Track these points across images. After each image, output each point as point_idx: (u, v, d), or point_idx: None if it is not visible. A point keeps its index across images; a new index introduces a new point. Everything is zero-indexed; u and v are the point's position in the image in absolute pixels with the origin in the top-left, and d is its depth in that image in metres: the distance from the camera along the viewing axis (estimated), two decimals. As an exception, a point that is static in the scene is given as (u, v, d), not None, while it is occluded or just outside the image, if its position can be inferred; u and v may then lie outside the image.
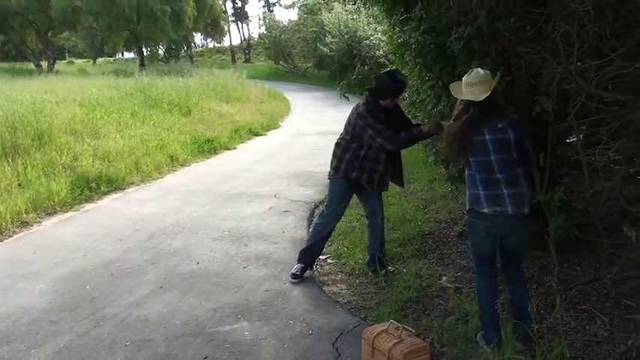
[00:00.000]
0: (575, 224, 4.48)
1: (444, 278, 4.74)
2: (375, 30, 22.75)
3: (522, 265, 3.78)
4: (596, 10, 3.27)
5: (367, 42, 22.38)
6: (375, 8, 21.43)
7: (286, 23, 34.94)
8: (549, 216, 4.50)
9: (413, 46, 4.64)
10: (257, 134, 14.31)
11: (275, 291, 4.74)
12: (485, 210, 3.40)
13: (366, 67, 15.99)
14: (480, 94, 3.34)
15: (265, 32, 36.26)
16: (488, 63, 4.19)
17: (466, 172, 3.56)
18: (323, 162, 9.80)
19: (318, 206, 7.46)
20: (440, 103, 4.83)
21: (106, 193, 8.26)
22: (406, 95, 6.17)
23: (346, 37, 24.40)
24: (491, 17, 4.19)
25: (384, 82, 4.55)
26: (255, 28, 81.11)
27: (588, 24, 3.33)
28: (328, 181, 5.01)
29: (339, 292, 4.70)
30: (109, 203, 7.91)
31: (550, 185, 4.54)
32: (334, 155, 4.84)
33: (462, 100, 3.43)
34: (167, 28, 35.00)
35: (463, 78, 3.45)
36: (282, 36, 32.87)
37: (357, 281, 4.90)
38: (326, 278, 5.02)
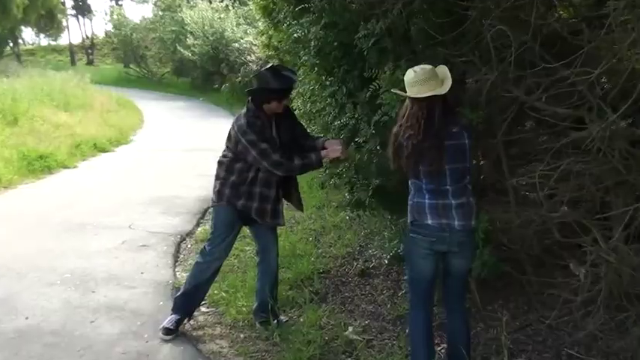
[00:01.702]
0: (502, 259, 4.39)
1: (350, 329, 4.43)
2: (246, 32, 22.51)
3: (466, 296, 3.73)
4: (544, 6, 3.18)
5: (237, 45, 21.90)
6: (249, 6, 21.13)
7: (139, 20, 33.91)
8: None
9: (312, 43, 4.34)
10: (104, 150, 13.41)
11: (135, 353, 4.21)
12: (429, 222, 3.34)
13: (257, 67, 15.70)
14: (441, 88, 3.27)
15: (113, 30, 34.86)
16: (403, 66, 4.00)
17: (410, 180, 3.46)
18: (188, 184, 9.39)
19: (185, 239, 7.00)
20: (343, 115, 4.57)
21: None
22: (299, 104, 5.89)
23: (211, 38, 23.89)
24: (407, 12, 4.02)
25: (267, 81, 4.18)
26: (100, 25, 78.31)
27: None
28: (211, 209, 4.61)
29: (219, 352, 4.26)
30: None
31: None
32: (217, 177, 4.43)
33: (415, 101, 3.28)
34: (-11, 18, 32.60)
35: (407, 78, 3.32)
36: (134, 35, 31.71)
37: (242, 336, 4.48)
38: (201, 333, 4.56)
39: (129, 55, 33.46)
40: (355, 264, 5.74)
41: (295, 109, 6.43)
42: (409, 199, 3.48)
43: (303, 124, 5.89)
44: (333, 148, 4.22)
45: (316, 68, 4.72)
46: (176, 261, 6.29)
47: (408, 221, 3.48)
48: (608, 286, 3.60)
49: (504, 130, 3.98)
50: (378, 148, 4.15)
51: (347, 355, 4.09)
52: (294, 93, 7.14)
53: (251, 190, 4.26)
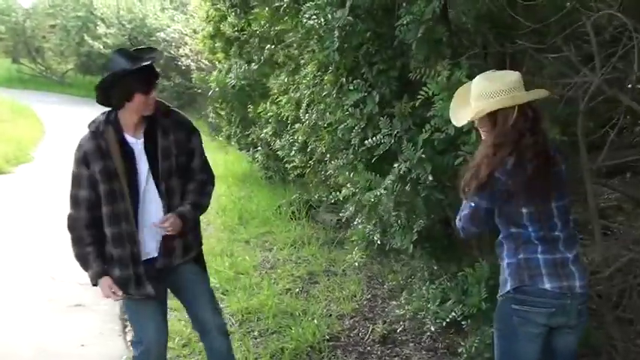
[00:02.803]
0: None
1: None
2: (173, 19, 22.00)
3: None
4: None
5: (162, 35, 21.37)
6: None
7: (32, 3, 32.93)
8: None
9: (335, 34, 3.89)
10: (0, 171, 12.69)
11: None
12: (547, 286, 2.91)
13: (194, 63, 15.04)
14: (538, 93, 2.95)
15: (-3, 16, 33.84)
16: (464, 65, 3.62)
17: (508, 229, 3.04)
18: None
19: None
20: (372, 130, 4.12)
21: None
22: (300, 114, 5.38)
23: (129, 27, 23.40)
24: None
25: (120, 64, 3.47)
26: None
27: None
28: None
29: None
30: None
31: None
32: None
33: (508, 112, 2.86)
34: None
35: (481, 86, 2.95)
36: (28, 22, 30.79)
37: None
38: None
39: (20, 47, 32.40)
40: (370, 326, 5.33)
41: (286, 118, 5.99)
42: (506, 255, 3.04)
43: (304, 139, 5.44)
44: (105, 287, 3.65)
45: (332, 67, 4.27)
46: (125, 326, 5.73)
47: (508, 288, 3.01)
48: None
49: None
50: (429, 178, 3.72)
51: None
52: (283, 98, 6.71)
53: (110, 252, 3.69)
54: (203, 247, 4.05)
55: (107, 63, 3.66)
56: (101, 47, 24.06)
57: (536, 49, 3.56)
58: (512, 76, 2.93)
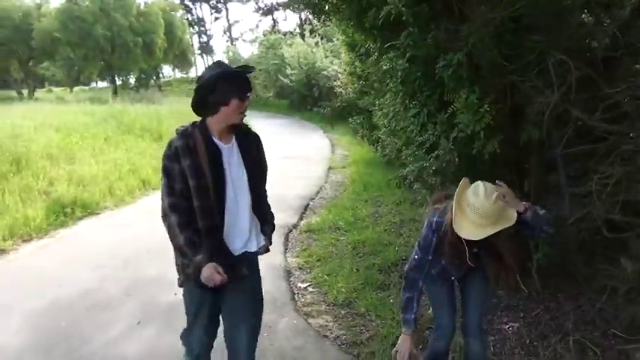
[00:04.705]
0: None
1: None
2: (332, 62, 22.36)
3: None
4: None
5: (325, 73, 21.83)
6: (334, 42, 20.75)
7: (249, 55, 34.29)
8: (533, 244, 4.11)
9: (398, 74, 4.13)
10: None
11: (259, 324, 4.11)
12: None
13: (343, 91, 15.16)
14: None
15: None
16: (478, 91, 3.76)
17: None
18: (290, 185, 9.21)
19: (291, 230, 6.85)
20: (424, 132, 4.32)
21: (80, 218, 7.51)
22: (385, 122, 5.66)
23: (305, 68, 23.79)
24: (480, 46, 3.77)
25: (220, 68, 2.59)
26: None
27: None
28: None
29: (326, 325, 4.12)
30: (84, 229, 7.15)
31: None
32: None
33: None
34: (139, 59, 34.27)
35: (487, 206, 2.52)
36: (246, 68, 32.15)
37: (343, 312, 4.32)
38: (310, 309, 4.43)
39: (242, 84, 33.81)
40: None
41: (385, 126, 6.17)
42: None
43: (387, 139, 5.66)
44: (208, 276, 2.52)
45: (401, 94, 4.50)
46: (286, 248, 6.16)
47: None
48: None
49: (562, 145, 3.69)
50: (456, 159, 3.91)
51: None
52: (378, 113, 6.93)
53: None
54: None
55: (204, 72, 2.67)
56: (288, 82, 24.78)
57: (521, 81, 3.66)
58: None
